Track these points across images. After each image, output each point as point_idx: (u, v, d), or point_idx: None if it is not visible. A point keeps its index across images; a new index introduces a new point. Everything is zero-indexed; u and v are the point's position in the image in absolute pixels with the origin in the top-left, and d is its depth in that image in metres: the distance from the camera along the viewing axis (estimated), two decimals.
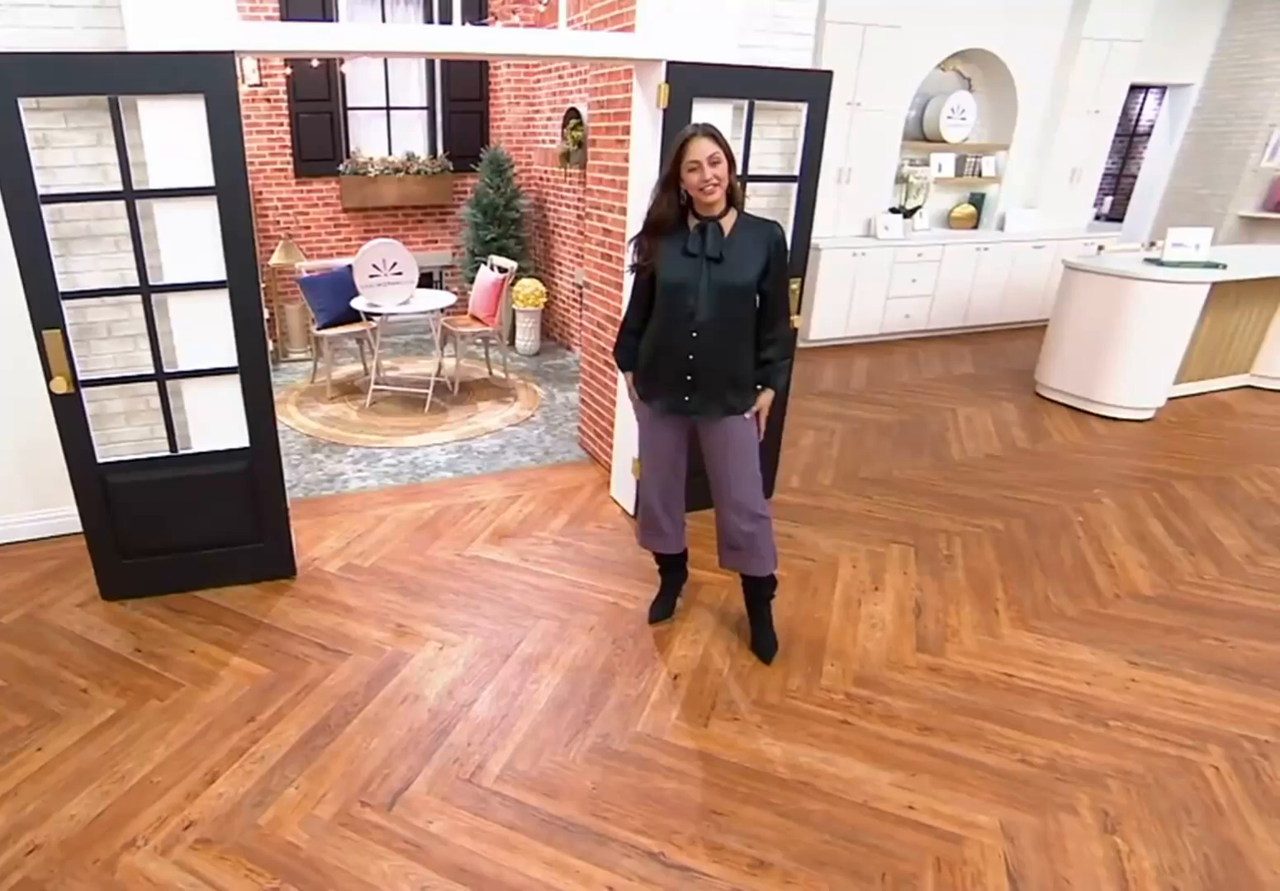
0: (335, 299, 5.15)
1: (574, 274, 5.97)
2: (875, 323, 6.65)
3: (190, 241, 2.71)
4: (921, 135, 6.79)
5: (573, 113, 5.43)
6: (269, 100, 6.07)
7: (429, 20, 6.19)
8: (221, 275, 2.74)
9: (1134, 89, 8.44)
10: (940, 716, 2.48)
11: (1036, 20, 6.63)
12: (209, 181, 2.63)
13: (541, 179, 6.41)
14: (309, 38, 2.62)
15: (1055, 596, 3.14)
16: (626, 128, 3.27)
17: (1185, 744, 2.40)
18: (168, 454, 2.96)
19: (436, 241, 6.79)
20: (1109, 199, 10.08)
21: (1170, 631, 2.95)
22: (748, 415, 2.49)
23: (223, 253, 2.71)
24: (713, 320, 2.39)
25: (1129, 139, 9.86)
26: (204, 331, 2.84)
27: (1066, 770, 2.28)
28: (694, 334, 2.40)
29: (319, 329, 5.14)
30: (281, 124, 6.16)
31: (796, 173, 3.16)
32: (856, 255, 6.26)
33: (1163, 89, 8.46)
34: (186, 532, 3.03)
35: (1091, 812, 2.14)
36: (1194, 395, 5.54)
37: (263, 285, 5.93)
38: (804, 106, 3.07)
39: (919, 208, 6.76)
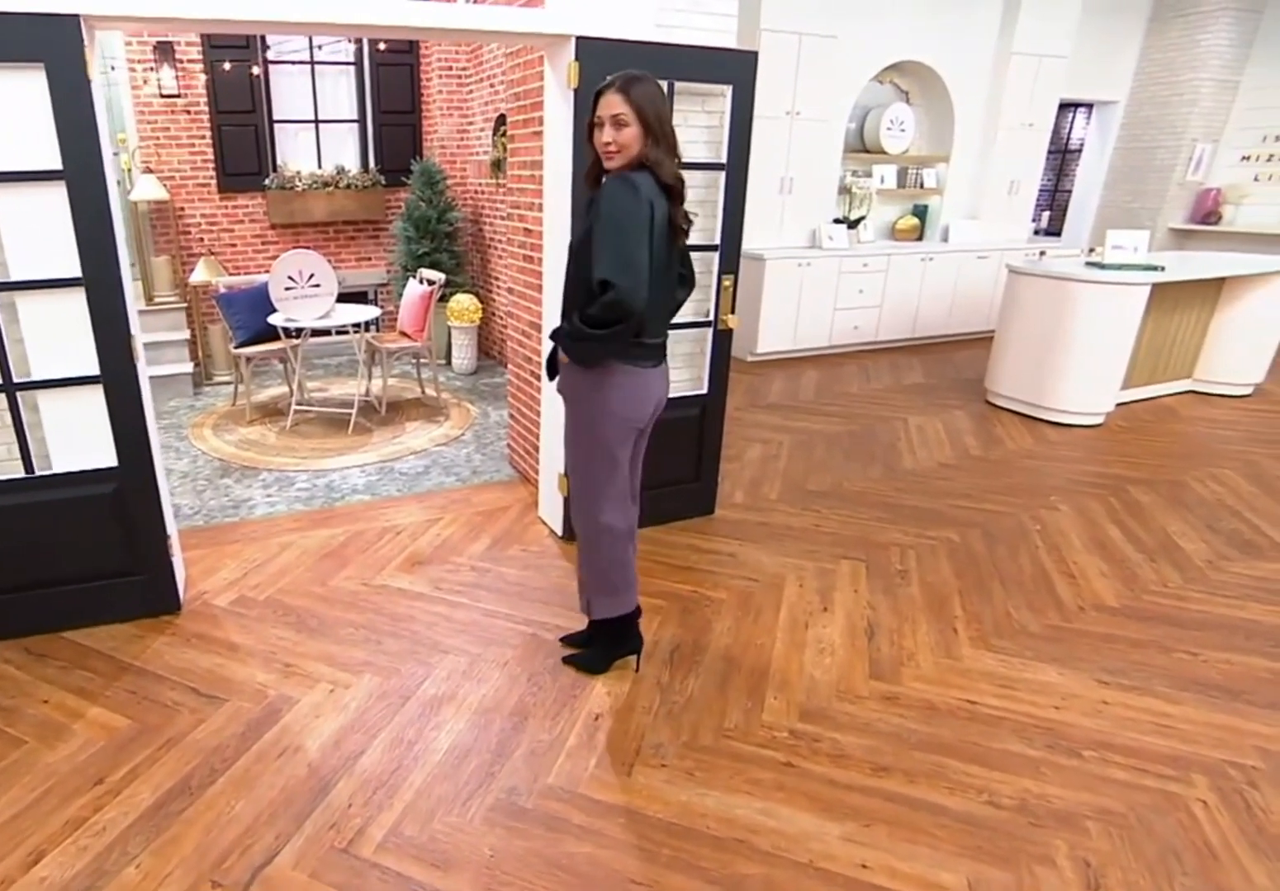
0: (253, 315, 4.74)
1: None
2: (824, 335, 6.40)
3: (37, 232, 2.33)
4: (862, 146, 6.62)
5: (502, 119, 5.13)
6: (189, 112, 5.68)
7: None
8: (76, 271, 2.35)
9: (1064, 107, 8.44)
10: (897, 753, 2.14)
11: (968, 34, 6.55)
12: (55, 165, 2.25)
13: (477, 192, 6.09)
14: (166, 4, 2.26)
15: (1016, 611, 2.84)
16: (542, 118, 2.95)
17: (1167, 774, 2.08)
18: (23, 476, 2.53)
19: (370, 259, 6.41)
20: (1046, 214, 10.06)
21: (1139, 645, 2.65)
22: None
23: (76, 245, 2.32)
24: (565, 285, 2.13)
25: (1062, 155, 9.88)
26: (60, 336, 2.44)
27: (1040, 812, 1.95)
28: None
29: (237, 347, 4.72)
30: (203, 137, 5.77)
31: (724, 160, 2.86)
32: (802, 265, 6.01)
33: (1090, 106, 8.46)
34: (49, 565, 2.60)
35: (1071, 863, 1.81)
36: (1141, 400, 5.36)
37: (185, 305, 5.58)
38: (729, 90, 2.79)
39: (863, 218, 6.56)
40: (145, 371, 2.66)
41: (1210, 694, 2.41)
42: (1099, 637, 2.69)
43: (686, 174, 2.09)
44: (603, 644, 2.46)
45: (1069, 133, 9.81)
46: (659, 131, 1.96)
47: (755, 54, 2.80)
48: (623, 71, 1.95)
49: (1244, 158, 7.96)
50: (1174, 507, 3.73)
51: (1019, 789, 2.02)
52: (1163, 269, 4.85)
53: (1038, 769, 2.09)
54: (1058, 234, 8.88)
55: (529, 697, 2.33)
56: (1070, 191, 9.20)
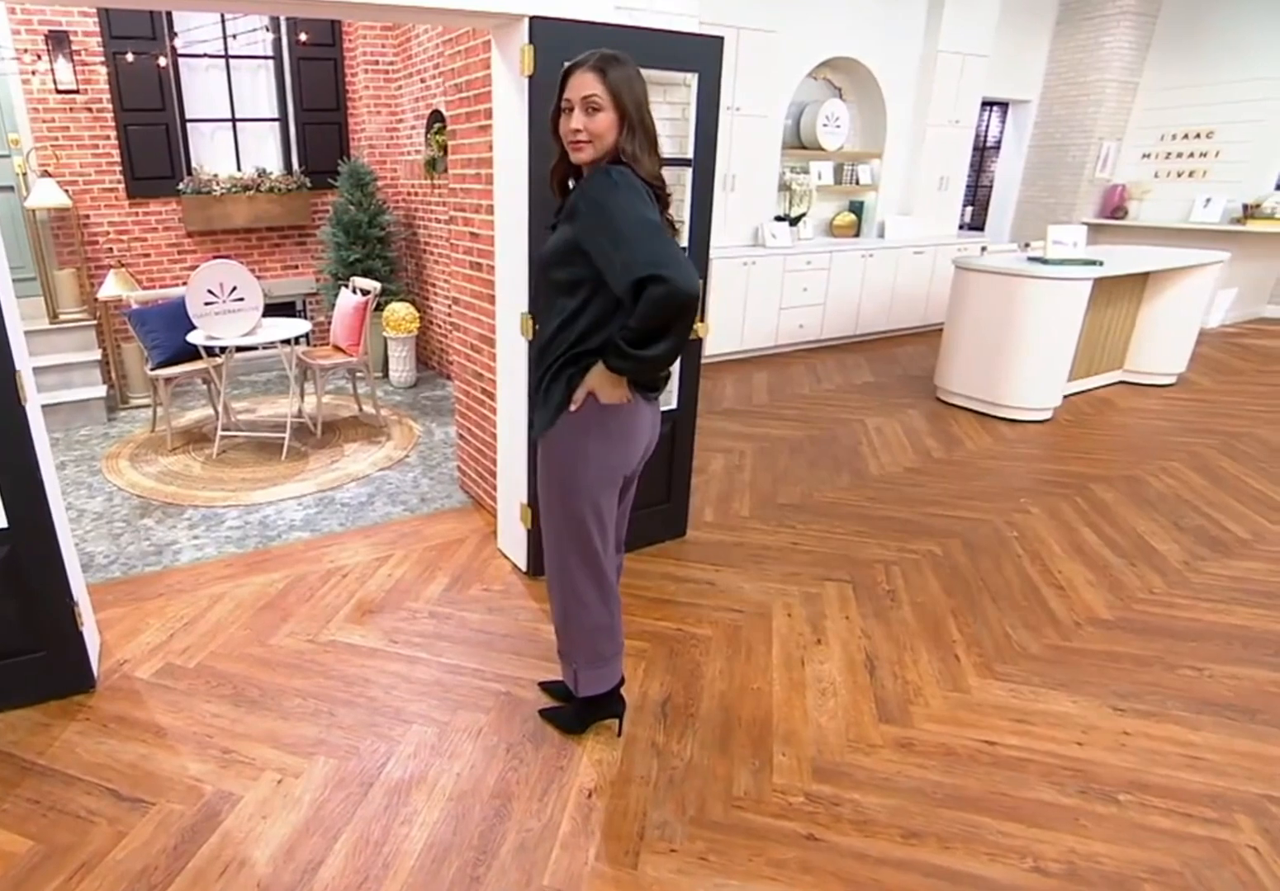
0: (171, 333, 4.18)
1: (449, 295, 5.18)
2: (770, 334, 6.14)
3: None
4: (799, 143, 6.37)
5: (436, 116, 4.66)
6: (90, 109, 5.01)
7: (274, 24, 5.30)
8: None
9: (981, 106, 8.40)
10: (925, 814, 1.86)
11: (898, 32, 6.38)
12: None
13: (409, 194, 5.59)
14: None
15: (1014, 631, 2.61)
16: (489, 111, 2.56)
17: (1209, 817, 1.87)
18: None
19: (298, 267, 5.84)
20: (969, 208, 10.03)
21: (1143, 663, 2.45)
22: (572, 407, 1.71)
23: None
24: (543, 308, 1.77)
25: (980, 153, 9.85)
26: None
27: (1091, 876, 1.70)
28: (536, 326, 1.87)
29: (153, 369, 4.16)
30: (108, 137, 5.10)
31: (690, 155, 2.53)
32: (747, 264, 5.73)
33: (1005, 105, 8.43)
34: None
35: None
36: (1081, 393, 5.28)
37: (94, 322, 4.94)
38: (694, 78, 2.45)
39: (804, 215, 6.32)
40: (38, 412, 2.19)
41: (1227, 715, 2.22)
42: (1102, 656, 2.49)
43: None
44: (582, 704, 2.10)
45: (985, 130, 9.78)
46: (637, 121, 1.61)
47: (721, 40, 2.47)
48: (597, 50, 1.60)
49: (1144, 155, 8.02)
50: (1137, 505, 3.59)
51: (1063, 849, 1.77)
52: (1101, 263, 4.75)
53: (1076, 821, 1.85)
54: (981, 228, 8.84)
55: (510, 774, 1.97)
56: (989, 187, 9.19)
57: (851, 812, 1.87)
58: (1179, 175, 7.79)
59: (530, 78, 2.17)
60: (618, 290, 1.55)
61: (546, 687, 2.26)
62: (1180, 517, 3.47)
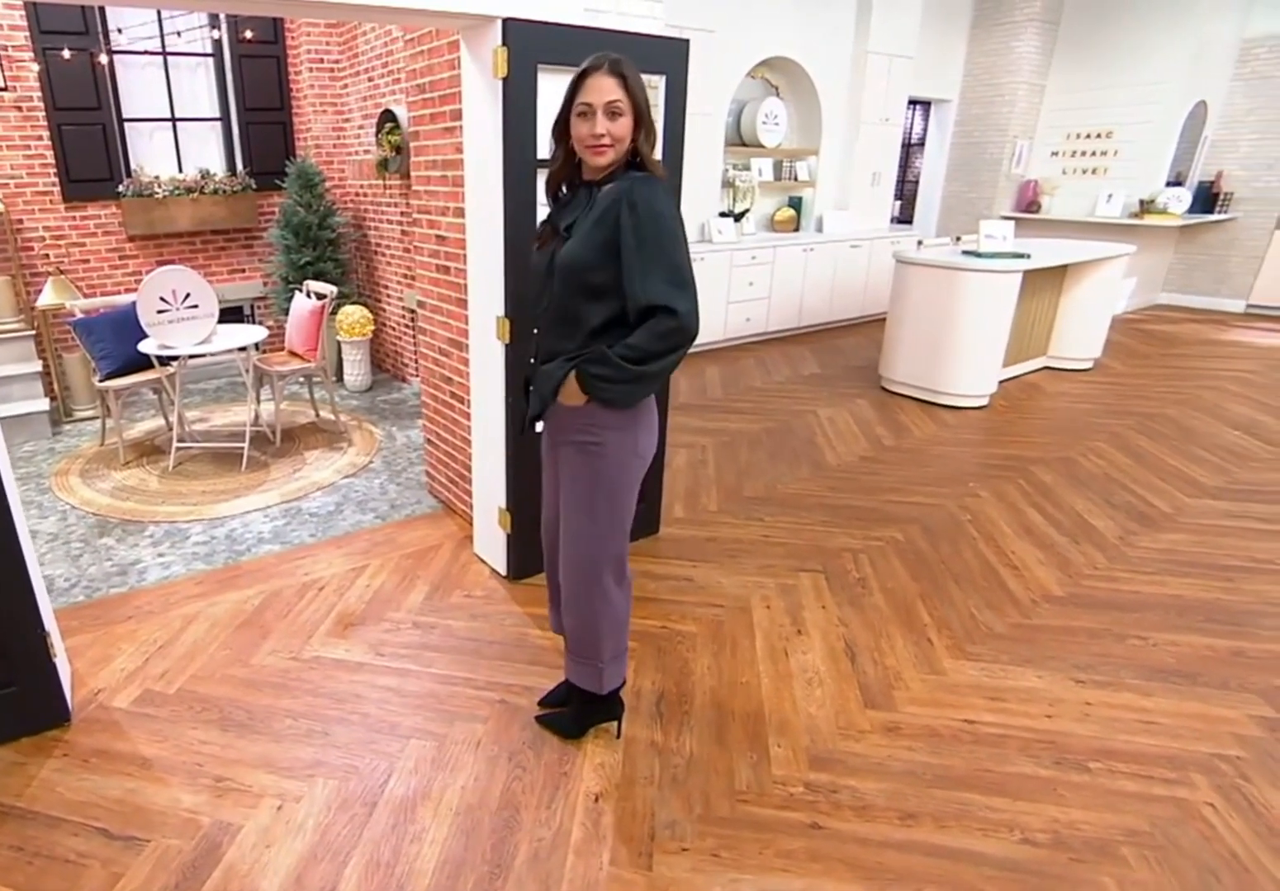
0: (120, 342, 3.92)
1: (403, 297, 4.99)
2: (719, 328, 6.14)
3: None
4: (740, 140, 6.36)
5: (387, 116, 4.46)
6: (20, 108, 4.63)
7: (215, 21, 4.99)
8: None
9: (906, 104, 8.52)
10: (918, 795, 1.89)
11: (830, 33, 6.42)
12: None
13: (358, 194, 5.37)
14: None
15: (979, 612, 2.67)
16: (456, 112, 2.46)
17: (1170, 778, 1.96)
18: None
19: (244, 271, 5.55)
20: (898, 203, 10.21)
21: (1096, 636, 2.54)
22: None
23: None
24: (550, 310, 1.72)
25: (906, 149, 10.02)
26: None
27: (1075, 844, 1.76)
28: (535, 330, 1.79)
29: (102, 380, 3.90)
30: (40, 137, 4.72)
31: (658, 156, 2.47)
32: (696, 260, 5.66)
33: (928, 104, 8.59)
34: None
35: None
36: (1012, 379, 5.44)
37: (33, 332, 4.61)
38: (661, 80, 2.41)
39: (747, 211, 6.32)
40: None
41: (1173, 681, 2.33)
42: (1059, 631, 2.57)
43: None
44: (580, 707, 2.06)
45: (911, 128, 9.95)
46: (649, 122, 1.62)
47: (687, 42, 2.44)
48: (605, 53, 1.58)
49: (1053, 153, 8.29)
50: (1073, 485, 3.72)
51: (1047, 819, 1.82)
52: (1029, 256, 4.88)
53: (1055, 791, 1.91)
54: (910, 222, 9.01)
55: (515, 784, 1.92)
56: (915, 183, 9.36)
57: (850, 799, 1.88)
58: (1084, 172, 8.08)
59: (504, 80, 2.08)
60: (632, 301, 1.58)
61: (546, 703, 2.18)
62: (1111, 495, 3.61)
